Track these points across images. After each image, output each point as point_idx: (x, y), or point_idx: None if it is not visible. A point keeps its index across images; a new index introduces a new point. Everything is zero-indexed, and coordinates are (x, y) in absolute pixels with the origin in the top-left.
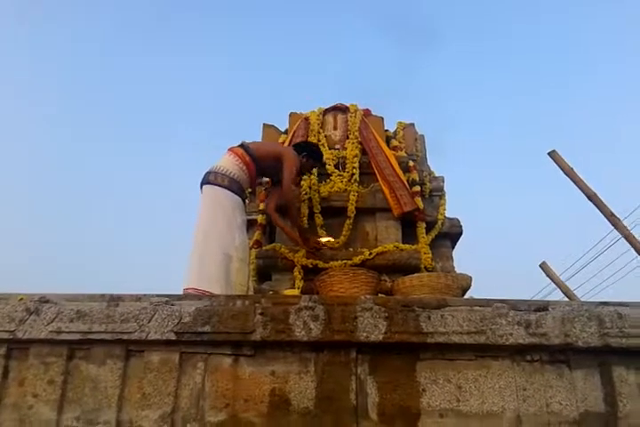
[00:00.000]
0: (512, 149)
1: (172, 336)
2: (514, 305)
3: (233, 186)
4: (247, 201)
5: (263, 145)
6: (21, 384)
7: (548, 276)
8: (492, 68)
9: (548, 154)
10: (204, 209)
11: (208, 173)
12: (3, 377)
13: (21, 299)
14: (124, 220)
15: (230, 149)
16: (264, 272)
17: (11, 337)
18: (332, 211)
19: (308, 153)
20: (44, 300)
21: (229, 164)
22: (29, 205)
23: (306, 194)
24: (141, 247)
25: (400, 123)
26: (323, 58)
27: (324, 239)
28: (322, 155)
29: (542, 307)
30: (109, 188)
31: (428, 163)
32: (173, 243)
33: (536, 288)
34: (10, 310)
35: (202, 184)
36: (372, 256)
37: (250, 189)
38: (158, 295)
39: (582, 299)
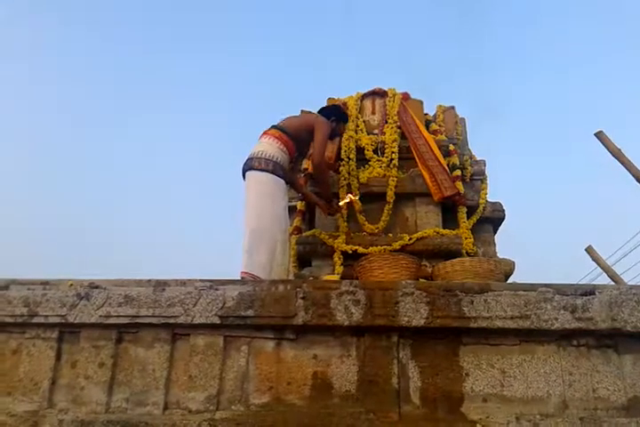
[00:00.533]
0: (555, 130)
1: (217, 320)
2: (559, 289)
3: (277, 170)
4: (287, 185)
5: (295, 120)
6: (73, 366)
7: (594, 260)
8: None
9: (595, 135)
10: (250, 195)
11: (250, 159)
12: (56, 359)
13: (71, 285)
14: (123, 213)
15: (266, 133)
16: (304, 258)
17: (62, 321)
18: (371, 196)
19: (337, 116)
20: (93, 285)
21: (270, 147)
22: (29, 202)
23: (345, 180)
24: (140, 241)
25: (440, 106)
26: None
27: (343, 201)
28: (347, 115)
29: (589, 291)
30: (111, 183)
31: (469, 146)
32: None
33: (581, 273)
34: (61, 296)
35: (245, 171)
36: (411, 241)
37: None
38: (202, 280)
39: (630, 283)
